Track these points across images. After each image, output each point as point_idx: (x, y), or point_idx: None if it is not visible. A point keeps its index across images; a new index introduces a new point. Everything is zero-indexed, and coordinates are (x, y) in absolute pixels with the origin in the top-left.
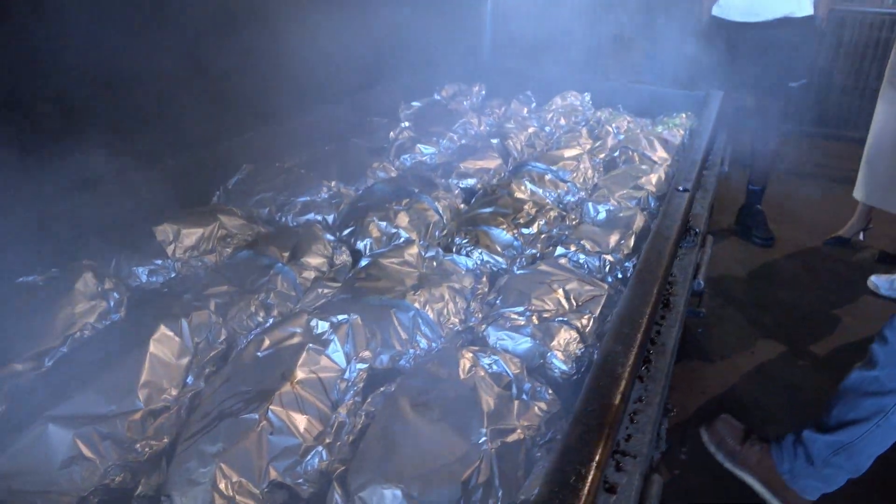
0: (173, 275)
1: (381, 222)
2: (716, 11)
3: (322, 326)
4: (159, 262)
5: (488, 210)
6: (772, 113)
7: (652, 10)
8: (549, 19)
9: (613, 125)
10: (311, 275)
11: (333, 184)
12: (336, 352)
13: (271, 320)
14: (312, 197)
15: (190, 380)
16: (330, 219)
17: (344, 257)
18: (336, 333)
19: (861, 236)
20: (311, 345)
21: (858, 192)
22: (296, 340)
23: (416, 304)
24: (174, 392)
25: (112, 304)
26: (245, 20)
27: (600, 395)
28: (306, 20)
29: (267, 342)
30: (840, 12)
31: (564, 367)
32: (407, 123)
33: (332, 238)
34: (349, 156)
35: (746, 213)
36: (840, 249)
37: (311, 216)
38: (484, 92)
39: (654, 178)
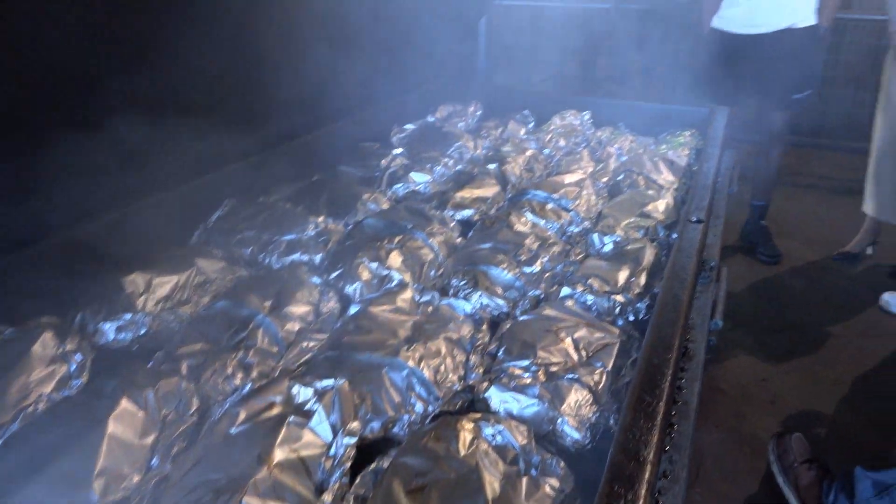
0: (144, 330)
1: (371, 263)
2: (716, 23)
3: (305, 394)
4: (129, 316)
5: (487, 246)
6: (775, 126)
7: (652, 23)
8: (545, 36)
9: (615, 146)
10: (295, 326)
11: (321, 219)
12: (321, 424)
13: (249, 384)
14: (298, 234)
15: (155, 462)
16: (317, 258)
17: (331, 304)
18: (321, 402)
19: (870, 251)
20: (291, 417)
21: (868, 207)
22: (275, 412)
23: (411, 362)
24: (136, 479)
25: (74, 367)
26: (226, 44)
27: (624, 483)
28: (291, 42)
29: (242, 415)
30: (839, 20)
31: (577, 436)
32: (399, 150)
33: (318, 281)
34: (338, 186)
35: (751, 229)
36: (849, 265)
37: (296, 256)
38: (480, 112)
39: (661, 204)
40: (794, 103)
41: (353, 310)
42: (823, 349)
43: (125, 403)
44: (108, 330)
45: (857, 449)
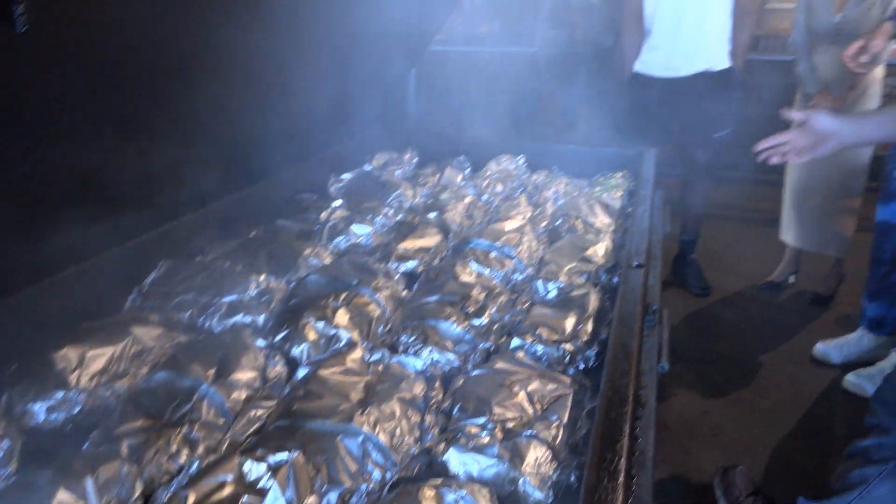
0: (78, 409)
1: (318, 323)
2: (638, 67)
3: (257, 470)
4: (61, 394)
5: (434, 298)
6: (699, 163)
7: (577, 66)
8: (476, 80)
9: (552, 189)
10: (241, 395)
11: (262, 277)
12: (276, 501)
13: (197, 462)
14: (239, 295)
15: None
16: (260, 319)
17: (278, 368)
18: (275, 478)
19: (792, 279)
20: (245, 498)
21: (786, 236)
22: (227, 492)
23: (365, 427)
24: None
25: (1, 455)
26: (156, 100)
27: None
28: (223, 96)
29: (192, 499)
30: (749, 61)
31: (540, 496)
32: (339, 202)
33: (263, 344)
34: (278, 242)
35: (681, 263)
36: (774, 294)
37: (238, 318)
38: (416, 159)
39: (600, 248)
40: (715, 142)
41: (301, 373)
42: (757, 378)
43: (62, 496)
44: (39, 411)
45: (799, 477)
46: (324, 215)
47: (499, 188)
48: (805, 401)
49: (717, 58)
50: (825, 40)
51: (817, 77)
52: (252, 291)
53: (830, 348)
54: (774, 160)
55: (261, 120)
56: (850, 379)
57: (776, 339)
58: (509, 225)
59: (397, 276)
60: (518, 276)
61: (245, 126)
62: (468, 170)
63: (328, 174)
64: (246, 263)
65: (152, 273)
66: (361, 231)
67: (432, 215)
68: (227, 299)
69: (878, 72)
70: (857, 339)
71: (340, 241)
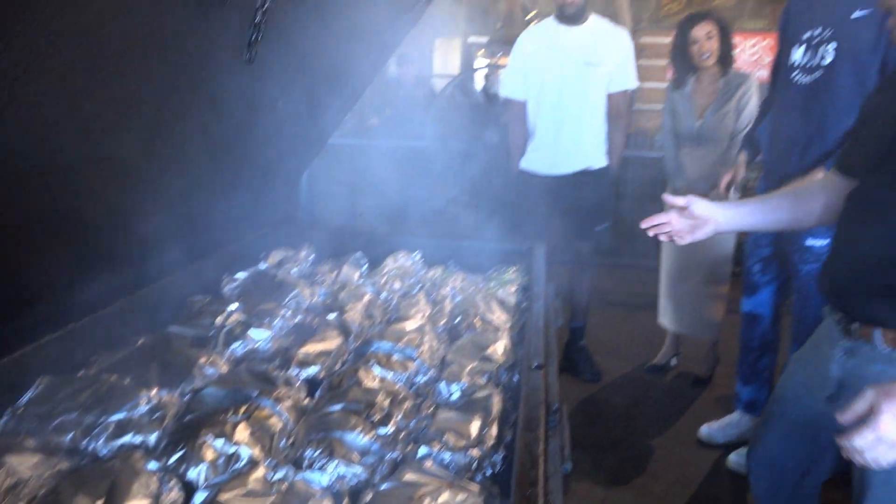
0: None
1: (216, 440)
2: (524, 165)
3: None
4: None
5: (338, 407)
6: (583, 255)
7: (465, 161)
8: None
9: (449, 286)
10: None
11: (153, 391)
12: None
13: None
14: (128, 412)
15: None
16: (152, 439)
17: (174, 494)
18: None
19: (674, 361)
20: None
21: (663, 319)
22: None
23: None
24: None
25: None
26: (31, 197)
27: None
28: (106, 196)
29: None
30: (623, 157)
31: None
32: (235, 305)
33: (156, 467)
34: (170, 351)
35: (572, 350)
36: (659, 377)
37: (127, 439)
38: (312, 256)
39: (500, 346)
40: (596, 234)
41: (199, 498)
42: (649, 462)
43: None
44: None
45: None
46: (219, 320)
47: (397, 285)
48: (693, 482)
49: (595, 157)
50: (689, 143)
51: (685, 175)
52: (142, 408)
53: (713, 430)
54: (662, 238)
55: (148, 220)
56: (733, 458)
57: (664, 422)
58: (410, 325)
59: (299, 384)
60: (421, 379)
61: (132, 228)
62: (365, 266)
63: (222, 274)
64: (135, 376)
65: (28, 392)
66: (259, 336)
67: (332, 316)
68: (115, 418)
69: None
70: (737, 421)
71: (238, 348)
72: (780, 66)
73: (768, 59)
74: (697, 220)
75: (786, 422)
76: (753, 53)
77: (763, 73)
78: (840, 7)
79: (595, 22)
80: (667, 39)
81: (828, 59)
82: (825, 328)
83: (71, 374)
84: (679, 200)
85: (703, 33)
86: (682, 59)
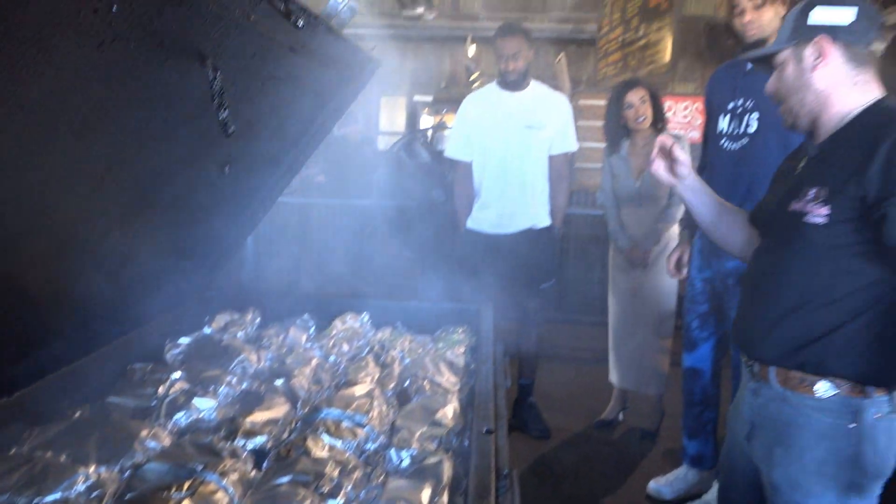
0: None
1: None
2: (470, 224)
3: None
4: None
5: (286, 479)
6: (530, 312)
7: (412, 220)
8: (314, 233)
9: (397, 348)
10: None
11: (92, 469)
12: None
13: None
14: (64, 492)
15: None
16: None
17: None
18: None
19: (621, 416)
20: None
21: (612, 376)
22: None
23: None
24: None
25: None
26: None
27: None
28: (45, 255)
29: None
30: (566, 215)
31: None
32: (178, 374)
33: None
34: (109, 424)
35: (521, 407)
36: (607, 433)
37: None
38: (258, 319)
39: (449, 410)
40: (542, 292)
41: None
42: None
43: None
44: None
45: None
46: (161, 389)
47: (345, 348)
48: None
49: (539, 216)
50: (629, 203)
51: (627, 233)
52: (80, 486)
53: (662, 485)
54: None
55: (87, 287)
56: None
57: (614, 478)
58: (359, 389)
59: (245, 455)
60: (371, 446)
61: (69, 295)
62: (313, 329)
63: (164, 340)
64: (71, 452)
65: None
66: (204, 405)
67: (279, 382)
68: (50, 499)
69: (675, 228)
70: (684, 475)
71: (181, 418)
72: (710, 133)
73: (700, 120)
74: (676, 161)
75: (730, 468)
76: (685, 116)
77: (695, 135)
78: (758, 81)
79: (535, 88)
80: (604, 102)
81: (752, 128)
82: (743, 373)
83: (2, 454)
84: (667, 140)
85: (637, 98)
86: (617, 123)
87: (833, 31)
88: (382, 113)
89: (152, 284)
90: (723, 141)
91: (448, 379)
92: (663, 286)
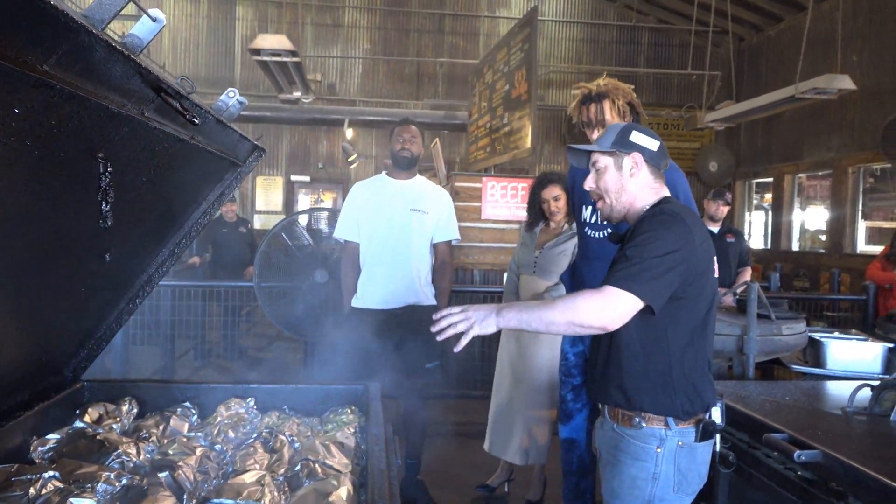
0: None
1: None
2: (356, 303)
3: None
4: None
5: None
6: (415, 391)
7: (293, 302)
8: (192, 316)
9: (286, 433)
10: None
11: None
12: None
13: None
14: None
15: None
16: None
17: None
18: None
19: (506, 487)
20: None
21: (486, 444)
22: None
23: None
24: None
25: None
26: None
27: None
28: None
29: None
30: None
31: None
32: (50, 473)
33: None
34: None
35: (409, 485)
36: (490, 495)
37: None
38: (136, 409)
39: (343, 492)
40: (427, 371)
41: None
42: None
43: None
44: None
45: None
46: (32, 490)
47: (231, 435)
48: None
49: (424, 295)
50: (527, 271)
51: (520, 298)
52: None
53: None
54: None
55: None
56: None
57: None
58: (248, 477)
59: None
60: None
61: None
62: (195, 417)
63: (30, 438)
64: None
65: None
66: None
67: (163, 475)
68: None
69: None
70: None
71: None
72: (577, 220)
73: None
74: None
75: None
76: None
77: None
78: None
79: (420, 179)
80: (477, 184)
81: None
82: None
83: None
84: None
85: (551, 196)
86: (538, 209)
87: (643, 151)
88: (259, 192)
89: (13, 377)
90: (586, 230)
91: (340, 461)
92: (545, 358)
